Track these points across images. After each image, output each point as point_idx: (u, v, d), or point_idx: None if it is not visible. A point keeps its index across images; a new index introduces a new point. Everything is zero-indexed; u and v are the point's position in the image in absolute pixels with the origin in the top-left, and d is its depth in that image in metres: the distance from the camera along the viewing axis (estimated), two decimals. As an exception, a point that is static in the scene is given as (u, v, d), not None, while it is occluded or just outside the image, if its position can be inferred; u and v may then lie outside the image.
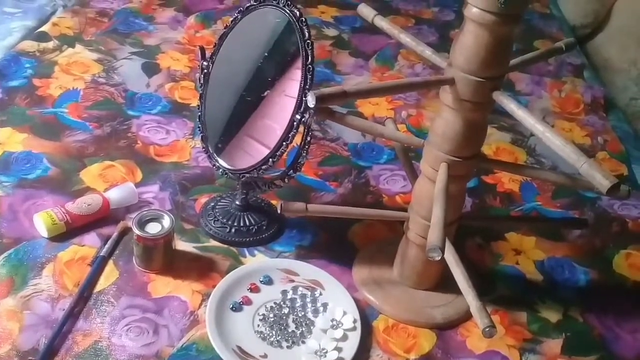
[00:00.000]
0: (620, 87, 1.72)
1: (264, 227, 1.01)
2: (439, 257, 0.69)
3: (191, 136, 1.21)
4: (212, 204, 1.04)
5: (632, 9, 1.79)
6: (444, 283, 0.96)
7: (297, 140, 0.90)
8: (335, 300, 0.91)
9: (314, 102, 0.67)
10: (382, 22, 0.88)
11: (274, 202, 1.07)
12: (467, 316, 0.93)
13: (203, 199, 1.06)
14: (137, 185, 1.06)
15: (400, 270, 0.96)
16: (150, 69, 1.38)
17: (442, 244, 0.69)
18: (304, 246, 1.01)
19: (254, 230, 1.00)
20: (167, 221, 0.91)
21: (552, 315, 0.96)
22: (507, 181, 1.23)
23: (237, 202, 1.01)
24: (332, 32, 1.68)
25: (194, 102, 1.30)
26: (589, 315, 0.97)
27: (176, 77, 1.37)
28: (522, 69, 0.95)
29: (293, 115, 0.86)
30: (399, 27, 0.87)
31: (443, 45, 1.66)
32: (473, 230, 1.09)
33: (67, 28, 1.46)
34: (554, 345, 0.92)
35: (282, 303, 0.90)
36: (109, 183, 1.06)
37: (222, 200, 1.04)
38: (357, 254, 1.01)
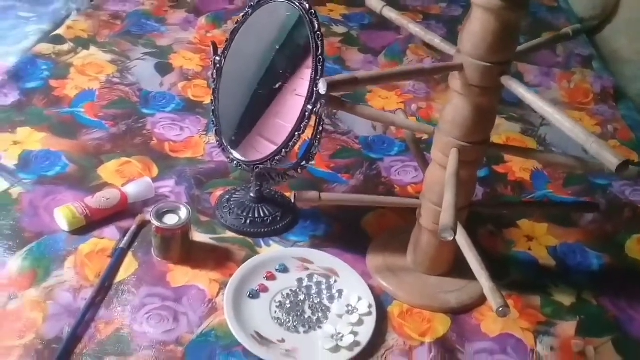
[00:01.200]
0: (630, 78, 1.73)
1: (279, 218, 1.03)
2: (452, 238, 0.70)
3: (205, 132, 1.23)
4: (227, 196, 1.06)
5: (641, 0, 1.79)
6: (457, 269, 0.97)
7: (309, 133, 0.91)
8: (350, 287, 0.93)
9: (325, 89, 0.69)
10: (390, 13, 0.90)
11: (287, 194, 1.09)
12: (480, 301, 0.95)
13: (218, 192, 1.08)
14: (154, 180, 1.08)
15: (413, 257, 0.98)
16: (163, 68, 1.41)
17: (454, 225, 0.70)
18: (317, 236, 1.03)
19: (268, 221, 1.02)
20: (184, 212, 0.93)
21: (566, 299, 0.97)
22: (518, 170, 1.25)
23: (252, 194, 1.03)
24: (340, 29, 1.70)
25: (207, 100, 1.32)
26: (603, 298, 0.98)
27: (189, 75, 1.40)
28: (530, 55, 0.95)
29: (304, 105, 0.88)
30: (408, 17, 0.89)
31: (451, 39, 1.68)
32: (485, 218, 1.10)
33: (82, 31, 1.49)
34: (568, 327, 0.93)
35: (298, 290, 0.92)
36: (126, 179, 1.08)
37: (236, 193, 1.06)
38: (370, 242, 1.03)
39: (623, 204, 1.19)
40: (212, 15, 1.65)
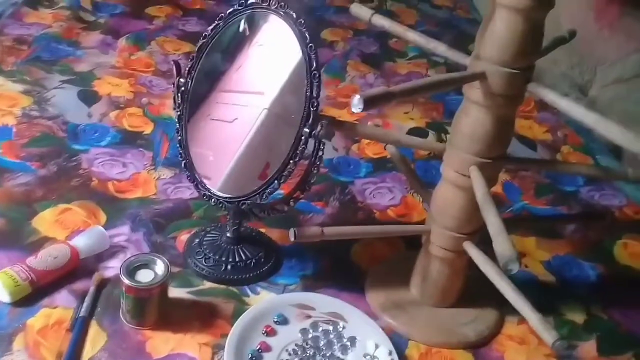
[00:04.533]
0: (550, 86, 1.76)
1: (262, 260, 0.89)
2: (517, 269, 0.61)
3: (153, 167, 1.06)
4: (197, 240, 0.91)
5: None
6: (467, 297, 0.89)
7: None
8: (362, 333, 0.81)
9: (361, 106, 0.58)
10: (381, 21, 0.81)
11: (261, 229, 0.96)
12: (497, 329, 0.88)
13: (183, 236, 0.93)
14: (104, 228, 0.90)
15: (421, 289, 0.88)
16: (88, 97, 1.22)
17: (516, 253, 0.61)
18: (308, 275, 0.91)
19: (251, 264, 0.88)
20: (160, 266, 0.77)
21: (577, 317, 0.92)
22: (489, 184, 1.19)
23: (228, 234, 0.89)
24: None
25: (147, 130, 1.16)
26: (611, 311, 0.94)
27: (120, 104, 1.22)
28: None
29: (300, 129, 0.76)
30: (403, 25, 0.80)
31: (386, 53, 1.64)
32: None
33: (-18, 59, 1.27)
34: (589, 347, 0.88)
35: (304, 344, 0.79)
36: (69, 229, 0.90)
37: (208, 235, 0.91)
38: (364, 275, 0.92)
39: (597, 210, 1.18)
40: (133, 37, 1.47)
